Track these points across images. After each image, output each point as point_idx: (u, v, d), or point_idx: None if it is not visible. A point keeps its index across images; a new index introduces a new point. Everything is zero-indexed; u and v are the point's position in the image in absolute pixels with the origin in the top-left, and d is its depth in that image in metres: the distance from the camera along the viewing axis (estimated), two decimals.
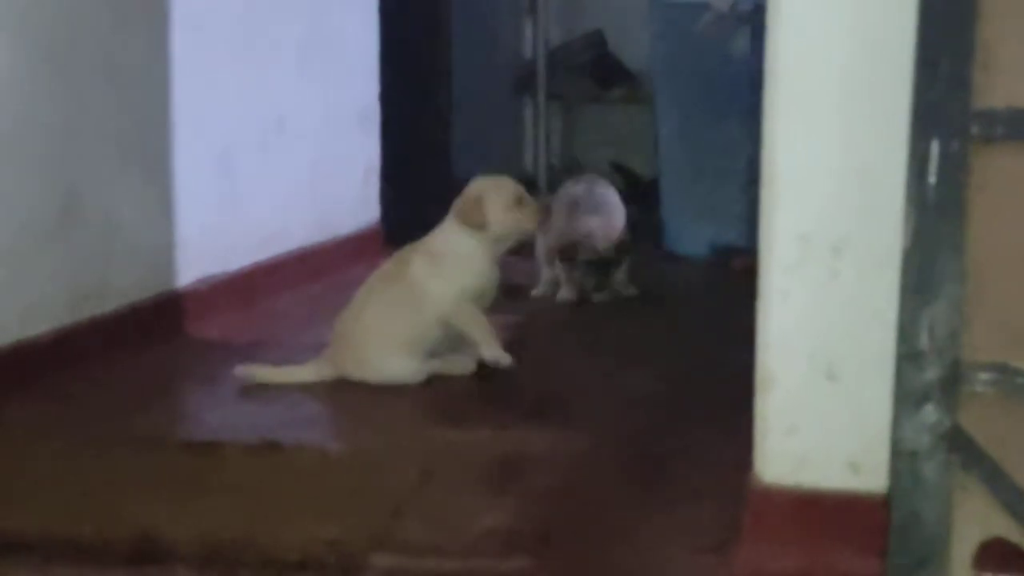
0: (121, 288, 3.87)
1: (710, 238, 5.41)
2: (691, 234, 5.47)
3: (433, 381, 3.57)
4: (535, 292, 4.68)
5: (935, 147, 2.06)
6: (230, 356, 3.85)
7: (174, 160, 4.10)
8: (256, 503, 2.66)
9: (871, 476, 2.27)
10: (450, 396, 3.50)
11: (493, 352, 3.56)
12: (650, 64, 5.91)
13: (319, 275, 4.90)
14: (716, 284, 5.10)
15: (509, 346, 3.65)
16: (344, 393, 3.53)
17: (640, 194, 6.02)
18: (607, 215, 4.67)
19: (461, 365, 3.63)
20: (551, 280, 4.70)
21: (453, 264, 3.56)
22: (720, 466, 2.91)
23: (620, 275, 4.70)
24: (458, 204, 3.64)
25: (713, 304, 4.72)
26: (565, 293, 4.64)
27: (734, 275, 5.18)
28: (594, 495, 2.80)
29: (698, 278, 5.26)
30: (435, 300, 3.52)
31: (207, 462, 2.91)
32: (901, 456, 2.12)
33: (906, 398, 2.11)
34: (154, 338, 3.94)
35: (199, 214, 4.22)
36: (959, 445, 2.07)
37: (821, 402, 2.31)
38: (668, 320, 4.47)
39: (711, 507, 2.67)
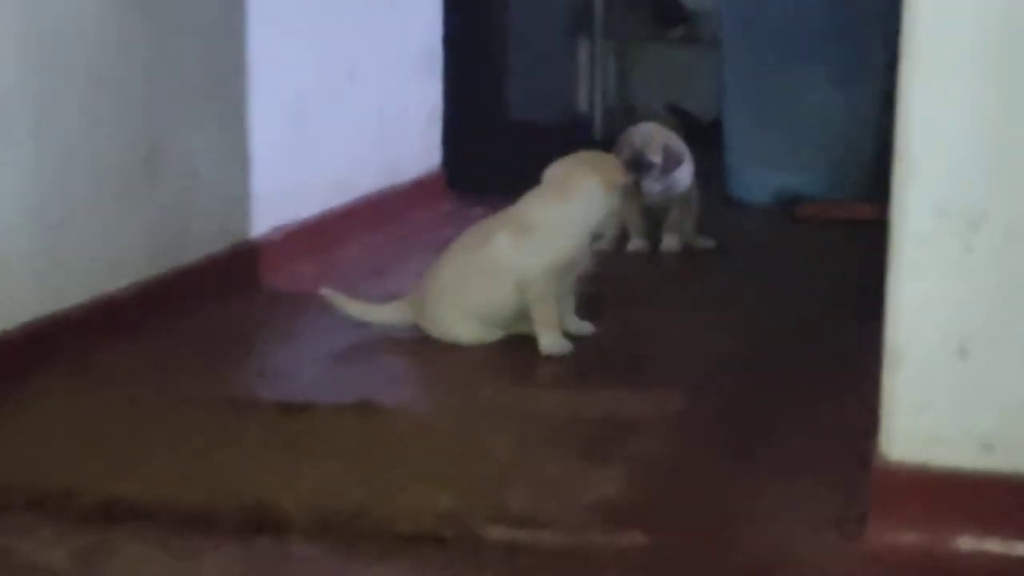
0: (199, 239, 3.81)
1: (775, 185, 5.31)
2: (755, 181, 5.36)
3: (514, 341, 3.50)
4: (596, 246, 4.45)
5: None
6: (307, 309, 3.80)
7: (249, 109, 4.03)
8: (363, 469, 2.59)
9: (1006, 456, 2.21)
10: (535, 356, 3.42)
11: (549, 341, 3.42)
12: (718, 5, 5.76)
13: (386, 221, 4.82)
14: (784, 234, 5.00)
15: (584, 302, 3.60)
16: (425, 350, 3.48)
17: (698, 137, 5.91)
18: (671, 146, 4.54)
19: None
20: (613, 234, 4.53)
21: (547, 238, 3.43)
22: (824, 431, 2.88)
23: (687, 225, 4.60)
24: (577, 169, 3.50)
25: (786, 256, 4.63)
26: (635, 243, 4.55)
27: (800, 224, 5.12)
28: (700, 463, 2.73)
29: (764, 227, 5.13)
30: (519, 274, 3.41)
31: (305, 424, 2.86)
32: None
33: None
34: (231, 290, 3.88)
35: (273, 162, 4.15)
36: None
37: (953, 379, 2.24)
38: (744, 273, 4.37)
39: (822, 477, 2.60)
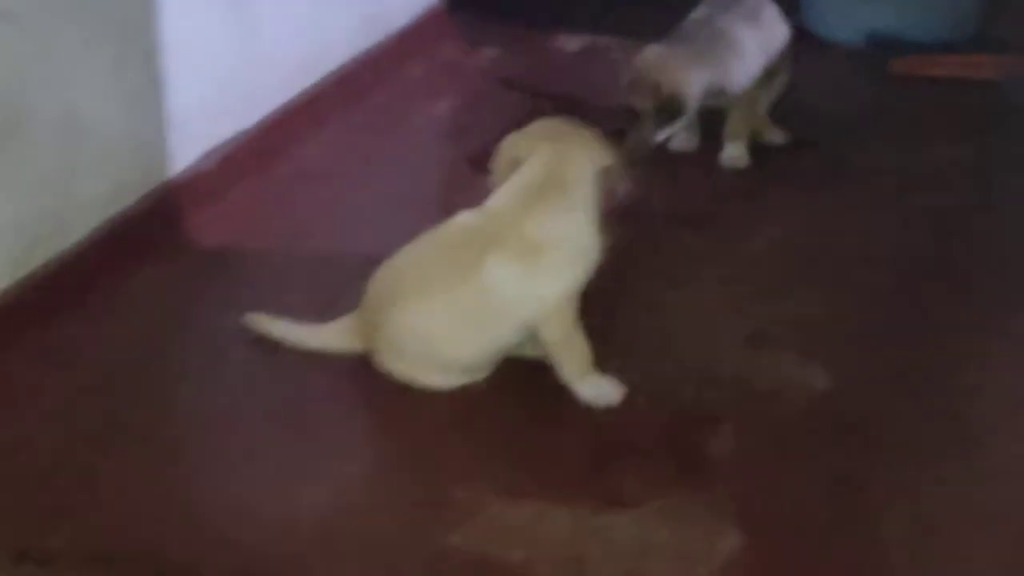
0: (91, 206, 2.91)
1: (866, 24, 4.29)
2: (842, 17, 4.33)
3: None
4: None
5: None
6: (240, 288, 2.96)
7: (160, 17, 3.05)
8: None
9: None
10: (523, 399, 2.58)
11: (593, 390, 2.58)
12: None
13: (369, 90, 3.88)
14: (879, 100, 3.99)
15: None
16: (376, 412, 2.63)
17: None
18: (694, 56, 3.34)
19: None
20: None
21: (565, 256, 2.56)
22: None
23: (757, 120, 3.63)
24: (567, 155, 2.60)
25: (891, 149, 3.66)
26: (682, 140, 3.58)
27: (897, 82, 4.11)
28: None
29: (854, 87, 4.11)
30: (530, 310, 2.55)
31: None
32: None
33: None
34: (144, 258, 2.99)
35: (204, 67, 3.20)
36: None
37: None
38: (826, 203, 3.38)
39: None
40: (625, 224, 2.68)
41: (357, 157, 3.57)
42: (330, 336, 2.67)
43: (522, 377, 2.62)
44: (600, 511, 2.29)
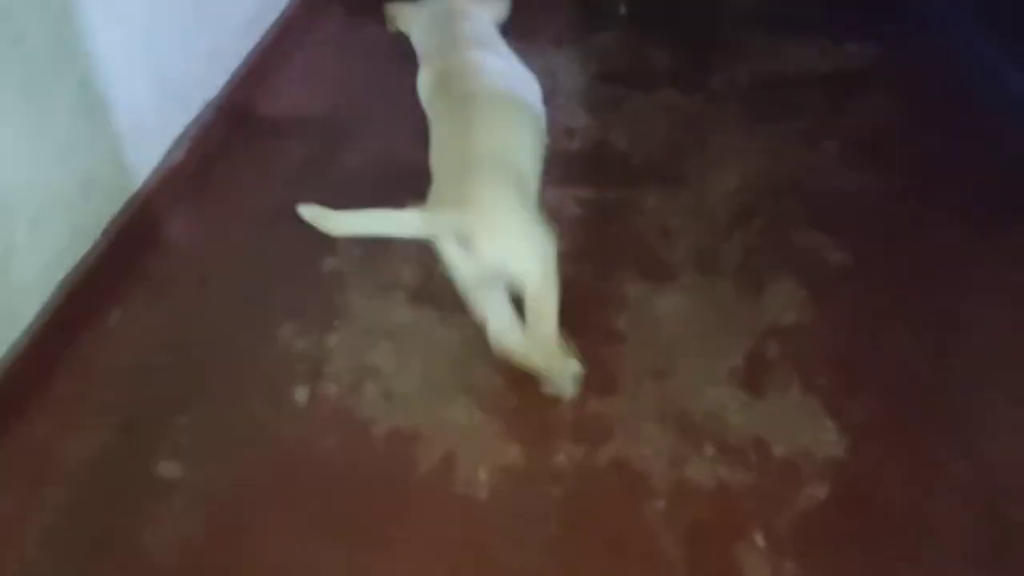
0: (40, 277, 1.42)
1: None
2: None
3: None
4: None
5: None
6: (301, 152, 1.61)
7: (88, 40, 1.44)
8: None
9: None
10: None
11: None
12: None
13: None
14: None
15: None
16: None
17: None
18: None
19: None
20: None
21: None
22: None
23: None
24: None
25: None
26: None
27: None
28: None
29: None
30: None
31: None
32: None
33: None
34: (124, 292, 1.54)
35: (150, 62, 1.61)
36: None
37: None
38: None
39: None
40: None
41: (326, 83, 2.02)
42: (409, 221, 1.23)
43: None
44: None
